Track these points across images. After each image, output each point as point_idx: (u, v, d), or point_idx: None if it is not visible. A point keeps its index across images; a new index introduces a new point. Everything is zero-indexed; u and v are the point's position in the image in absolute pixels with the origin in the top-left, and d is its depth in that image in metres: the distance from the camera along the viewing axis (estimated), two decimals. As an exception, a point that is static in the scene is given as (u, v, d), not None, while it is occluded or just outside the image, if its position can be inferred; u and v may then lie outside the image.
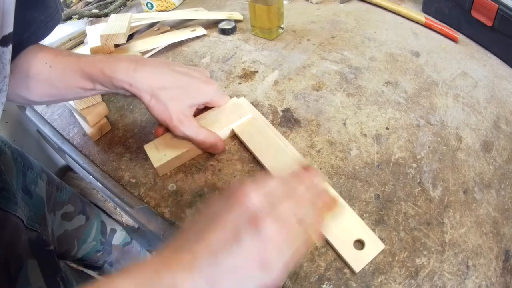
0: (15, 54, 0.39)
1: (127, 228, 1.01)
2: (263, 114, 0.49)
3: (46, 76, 0.41)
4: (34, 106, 0.59)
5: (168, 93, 0.41)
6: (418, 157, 0.44)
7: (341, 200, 0.39)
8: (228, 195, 0.26)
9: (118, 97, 0.56)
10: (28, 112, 0.61)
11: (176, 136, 0.44)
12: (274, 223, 0.25)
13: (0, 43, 0.29)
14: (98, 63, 0.41)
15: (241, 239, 0.24)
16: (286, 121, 0.50)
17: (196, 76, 0.44)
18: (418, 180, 0.42)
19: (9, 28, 0.32)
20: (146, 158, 0.47)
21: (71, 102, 0.51)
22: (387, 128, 0.48)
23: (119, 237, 0.84)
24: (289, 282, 0.34)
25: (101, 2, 0.81)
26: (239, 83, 0.57)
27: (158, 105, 0.41)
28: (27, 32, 0.39)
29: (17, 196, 0.50)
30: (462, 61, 0.59)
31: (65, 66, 0.41)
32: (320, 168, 0.43)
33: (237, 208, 0.26)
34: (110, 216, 0.94)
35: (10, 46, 0.32)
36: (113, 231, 0.83)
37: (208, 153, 0.46)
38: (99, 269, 0.80)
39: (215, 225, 0.25)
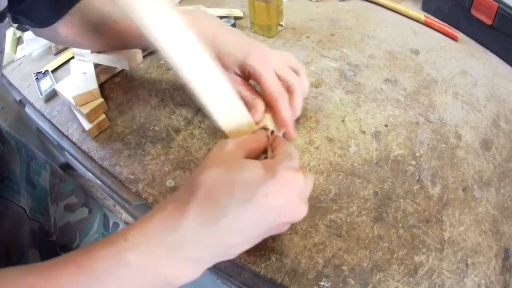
0: (72, 4, 0.41)
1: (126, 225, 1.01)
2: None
3: (111, 30, 0.43)
4: (34, 103, 0.59)
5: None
6: (417, 154, 0.44)
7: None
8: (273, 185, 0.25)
9: (117, 94, 0.56)
10: (27, 109, 0.60)
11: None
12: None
13: None
14: None
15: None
16: (285, 118, 0.49)
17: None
18: (417, 178, 0.42)
19: (3, 3, 0.32)
20: (145, 154, 0.47)
21: (70, 99, 0.51)
22: (386, 126, 0.47)
23: None
24: (287, 279, 0.34)
25: (101, 0, 0.80)
26: (238, 81, 0.56)
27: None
28: None
29: (20, 186, 0.50)
30: (461, 60, 0.59)
31: (129, 24, 0.42)
32: (319, 165, 0.43)
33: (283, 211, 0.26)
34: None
35: (5, 21, 0.33)
36: (116, 225, 0.83)
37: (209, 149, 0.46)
38: None
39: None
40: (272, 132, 0.36)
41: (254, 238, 0.26)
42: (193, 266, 0.24)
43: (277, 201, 0.25)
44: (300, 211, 0.27)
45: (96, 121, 0.50)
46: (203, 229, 0.23)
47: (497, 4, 0.54)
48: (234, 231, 0.24)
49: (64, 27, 0.43)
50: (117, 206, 1.06)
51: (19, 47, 0.72)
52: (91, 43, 0.46)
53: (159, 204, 0.25)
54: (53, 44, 0.67)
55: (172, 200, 0.25)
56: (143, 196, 0.42)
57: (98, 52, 0.56)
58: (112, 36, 0.45)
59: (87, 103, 0.50)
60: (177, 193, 0.26)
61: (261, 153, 0.33)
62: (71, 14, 0.42)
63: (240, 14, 0.71)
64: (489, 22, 0.57)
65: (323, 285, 0.33)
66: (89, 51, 0.57)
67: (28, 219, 0.49)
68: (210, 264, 0.25)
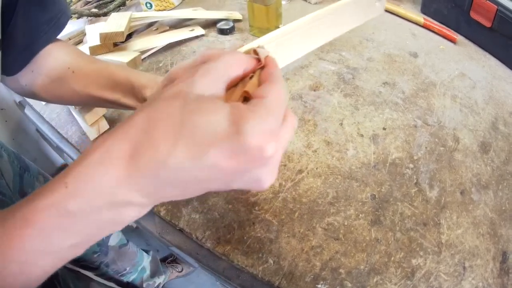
0: (33, 54, 0.39)
1: (125, 227, 1.02)
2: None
3: (68, 81, 0.41)
4: (33, 105, 0.59)
5: None
6: (415, 157, 0.44)
7: None
8: (239, 143, 0.19)
9: (116, 96, 0.56)
10: (27, 111, 0.61)
11: None
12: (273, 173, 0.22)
13: None
14: (124, 70, 0.41)
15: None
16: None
17: None
18: (415, 181, 0.42)
19: None
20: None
21: (69, 101, 0.51)
22: (384, 129, 0.47)
23: (115, 238, 0.84)
24: (285, 282, 0.34)
25: (100, 2, 0.81)
26: (237, 83, 0.57)
27: None
28: (40, 31, 0.39)
29: (14, 200, 0.50)
30: (460, 62, 0.59)
31: (88, 73, 0.41)
32: (317, 168, 0.43)
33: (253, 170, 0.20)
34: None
35: None
36: None
37: None
38: (95, 269, 0.80)
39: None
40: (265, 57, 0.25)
41: (195, 194, 0.22)
42: (134, 210, 0.22)
43: (233, 168, 0.20)
44: (262, 183, 0.21)
45: (95, 124, 0.50)
46: (140, 180, 0.20)
47: (496, 7, 0.54)
48: (174, 185, 0.20)
49: (24, 75, 0.41)
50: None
51: (19, 49, 0.72)
52: (48, 95, 0.43)
53: (98, 142, 0.21)
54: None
55: (113, 137, 0.21)
56: (142, 199, 0.42)
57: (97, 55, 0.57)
58: (70, 88, 0.42)
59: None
60: (123, 125, 0.21)
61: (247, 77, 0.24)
62: (32, 61, 0.40)
63: (239, 16, 0.72)
64: (488, 24, 0.57)
65: (320, 288, 0.34)
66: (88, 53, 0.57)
67: None
68: (153, 205, 0.23)
